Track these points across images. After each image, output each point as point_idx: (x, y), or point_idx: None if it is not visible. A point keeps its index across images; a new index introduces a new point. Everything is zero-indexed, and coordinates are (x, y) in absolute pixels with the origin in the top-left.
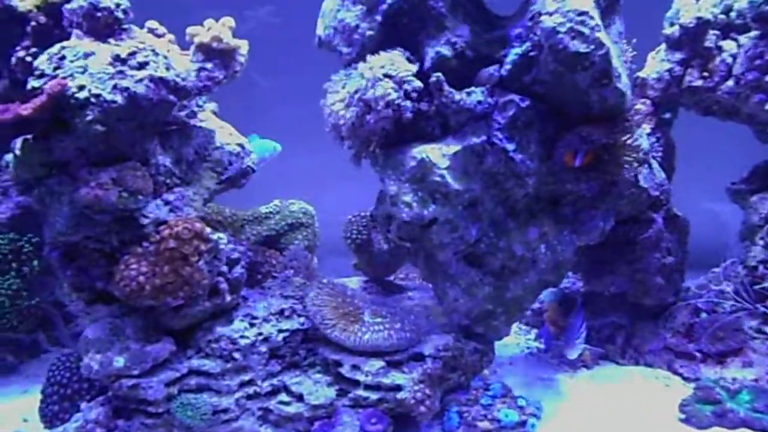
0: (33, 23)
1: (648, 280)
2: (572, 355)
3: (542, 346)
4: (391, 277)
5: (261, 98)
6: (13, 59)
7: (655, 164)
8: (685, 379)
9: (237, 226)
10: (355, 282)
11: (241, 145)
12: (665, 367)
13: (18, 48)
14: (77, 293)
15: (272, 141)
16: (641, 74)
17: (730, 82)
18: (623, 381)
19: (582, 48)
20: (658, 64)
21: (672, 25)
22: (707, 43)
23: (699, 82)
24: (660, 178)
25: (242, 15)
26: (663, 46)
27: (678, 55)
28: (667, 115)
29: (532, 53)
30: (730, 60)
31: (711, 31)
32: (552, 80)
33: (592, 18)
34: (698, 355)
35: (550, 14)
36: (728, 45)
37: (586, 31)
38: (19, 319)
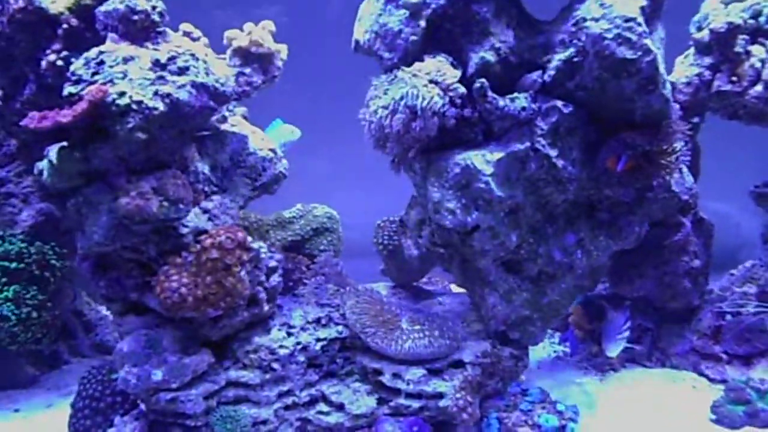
0: (64, 26)
1: (676, 283)
2: (612, 352)
3: (568, 350)
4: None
5: (271, 97)
6: (43, 63)
7: (684, 169)
8: (711, 380)
9: (262, 231)
10: (382, 287)
11: (273, 150)
12: (691, 369)
13: (48, 51)
14: (109, 304)
15: (291, 126)
16: (670, 78)
17: (759, 87)
18: (651, 383)
19: (629, 54)
20: (687, 68)
21: (700, 29)
22: (737, 48)
23: (728, 87)
24: (689, 182)
25: (251, 14)
26: (691, 50)
27: (707, 60)
28: (696, 120)
29: (576, 59)
30: (759, 65)
31: (740, 36)
32: (596, 86)
33: (639, 24)
34: (724, 356)
35: (596, 20)
36: (757, 50)
37: (634, 37)
38: (43, 331)
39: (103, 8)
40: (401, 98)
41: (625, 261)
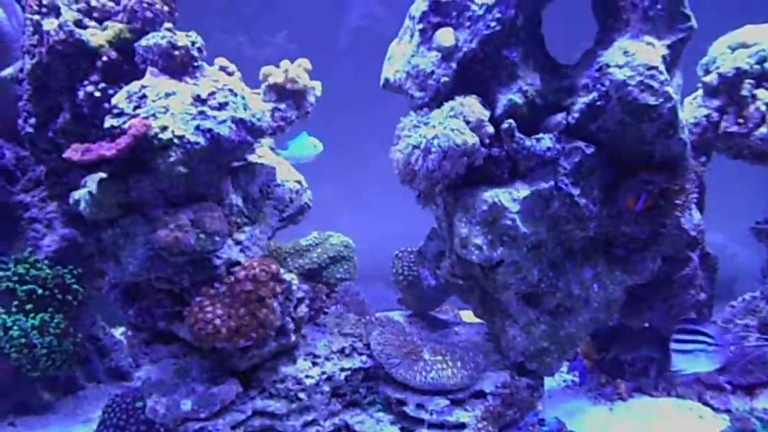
0: (104, 59)
1: (683, 315)
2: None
3: (576, 379)
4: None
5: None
6: (81, 94)
7: (693, 206)
8: (715, 410)
9: (280, 259)
10: (398, 315)
11: (299, 182)
12: (696, 398)
13: (86, 83)
14: (137, 332)
15: (315, 139)
16: None
17: (763, 129)
18: (659, 413)
19: (651, 101)
20: (696, 109)
21: (708, 72)
22: (743, 92)
23: (734, 128)
24: (697, 219)
25: (260, 40)
26: (700, 91)
27: (715, 102)
28: (702, 159)
29: (599, 103)
30: (764, 108)
31: (747, 80)
32: (618, 129)
33: (661, 72)
34: (728, 387)
35: (620, 67)
36: (762, 94)
37: (656, 84)
38: (64, 358)
39: (143, 42)
40: (433, 137)
41: (634, 293)
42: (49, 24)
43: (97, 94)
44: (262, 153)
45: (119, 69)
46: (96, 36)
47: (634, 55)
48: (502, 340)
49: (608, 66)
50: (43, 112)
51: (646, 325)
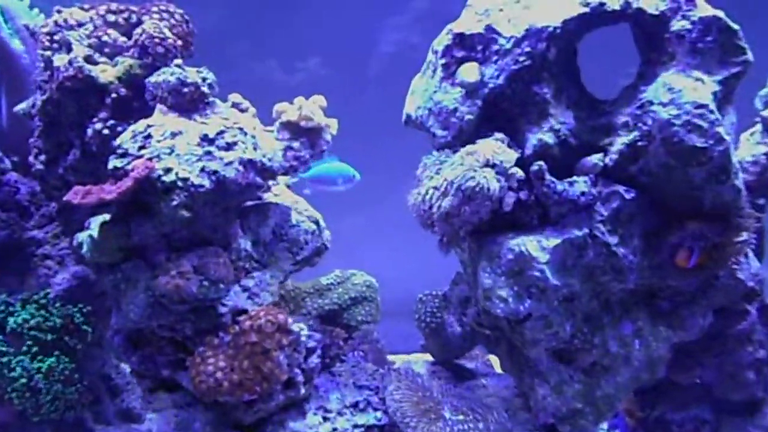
0: (113, 95)
1: (739, 374)
2: None
3: None
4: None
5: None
6: (89, 131)
7: (750, 253)
8: None
9: (299, 300)
10: (420, 363)
11: (316, 222)
12: None
13: (95, 120)
14: (140, 380)
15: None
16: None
17: None
18: None
19: (700, 143)
20: (753, 146)
21: (767, 106)
22: None
23: None
24: (755, 267)
25: (291, 66)
26: (758, 127)
27: None
28: (761, 201)
29: (640, 143)
30: None
31: None
32: (661, 173)
33: (711, 111)
34: None
35: (664, 105)
36: None
37: (705, 125)
38: (68, 404)
39: (153, 79)
40: (454, 180)
41: (683, 347)
42: (60, 60)
43: (106, 131)
44: (279, 191)
45: (129, 106)
46: (106, 72)
47: (681, 92)
48: (530, 399)
49: (651, 103)
50: (54, 148)
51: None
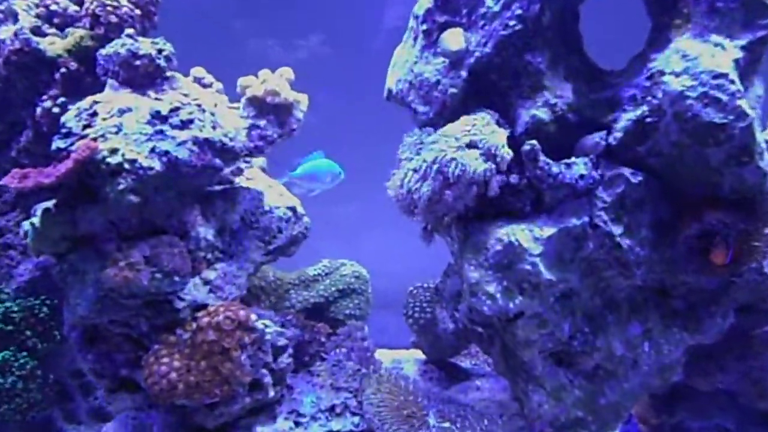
0: (62, 70)
1: (765, 379)
2: None
3: None
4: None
5: (307, 135)
6: (38, 110)
7: None
8: None
9: (282, 292)
10: (411, 363)
11: (292, 209)
12: None
13: (44, 97)
14: (98, 380)
15: (332, 163)
16: (764, 137)
17: None
18: None
19: (718, 118)
20: None
21: None
22: None
23: None
24: None
25: (293, 44)
26: None
27: None
28: None
29: (649, 119)
30: None
31: None
32: (674, 153)
33: (732, 81)
34: None
35: (677, 75)
36: None
37: (724, 97)
38: (29, 402)
39: (103, 51)
40: (434, 161)
41: (702, 349)
42: (6, 32)
43: (56, 110)
44: (252, 175)
45: (81, 81)
46: (54, 45)
47: (696, 60)
48: (525, 406)
49: (662, 73)
50: (6, 129)
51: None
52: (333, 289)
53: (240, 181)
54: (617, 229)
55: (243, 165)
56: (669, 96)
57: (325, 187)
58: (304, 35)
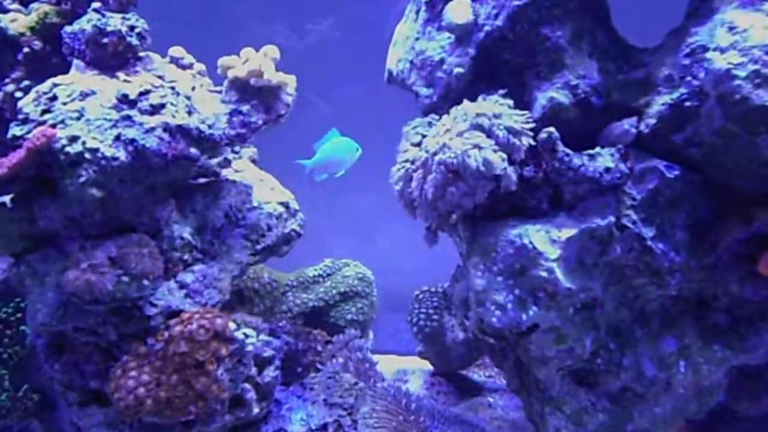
0: (26, 50)
1: None
2: None
3: None
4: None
5: (319, 125)
6: (0, 94)
7: None
8: None
9: (277, 294)
10: (416, 375)
11: (285, 204)
12: None
13: (7, 80)
14: (67, 392)
15: (348, 140)
16: None
17: None
18: None
19: None
20: None
21: None
22: None
23: None
24: None
25: (303, 28)
26: None
27: None
28: None
29: (688, 103)
30: None
31: None
32: (717, 143)
33: None
34: None
35: (722, 51)
36: None
37: None
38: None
39: (69, 28)
40: (436, 152)
41: (747, 367)
42: None
43: (19, 94)
44: (242, 166)
45: (47, 62)
46: (17, 22)
47: (746, 33)
48: (541, 430)
49: (705, 49)
50: None
51: None
52: (334, 291)
53: (227, 173)
54: (648, 231)
55: (231, 156)
56: (713, 75)
57: (347, 167)
58: (314, 19)
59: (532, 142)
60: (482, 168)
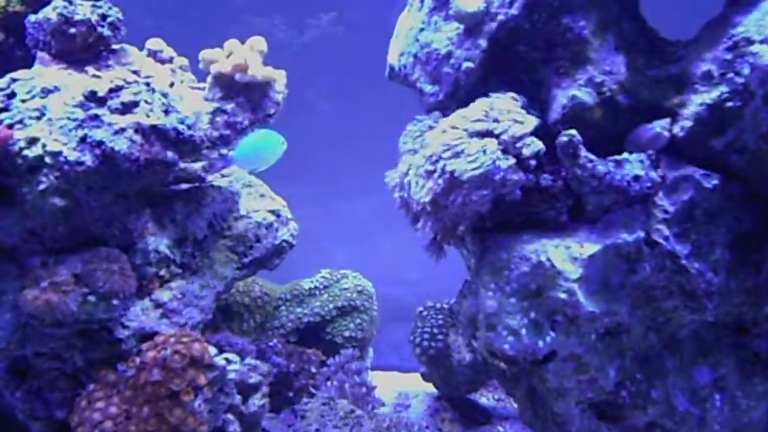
0: None
1: None
2: None
3: None
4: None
5: (319, 125)
6: None
7: None
8: None
9: (269, 309)
10: (420, 399)
11: (276, 213)
12: None
13: None
14: (30, 422)
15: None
16: None
17: None
18: None
19: None
20: None
21: None
22: None
23: None
24: None
25: (303, 23)
26: None
27: None
28: None
29: (729, 103)
30: None
31: None
32: (763, 149)
33: None
34: None
35: None
36: None
37: None
38: None
39: (33, 18)
40: (439, 157)
41: None
42: None
43: None
44: (228, 171)
45: (10, 55)
46: None
47: None
48: None
49: (750, 41)
50: None
51: None
52: (331, 305)
53: (213, 179)
54: (683, 249)
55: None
56: (759, 71)
57: (270, 162)
58: (315, 13)
59: (538, 148)
60: (482, 171)
